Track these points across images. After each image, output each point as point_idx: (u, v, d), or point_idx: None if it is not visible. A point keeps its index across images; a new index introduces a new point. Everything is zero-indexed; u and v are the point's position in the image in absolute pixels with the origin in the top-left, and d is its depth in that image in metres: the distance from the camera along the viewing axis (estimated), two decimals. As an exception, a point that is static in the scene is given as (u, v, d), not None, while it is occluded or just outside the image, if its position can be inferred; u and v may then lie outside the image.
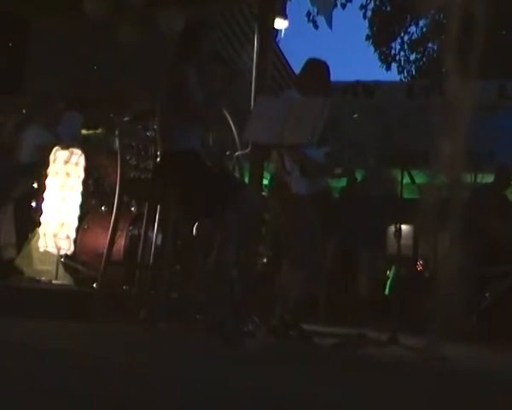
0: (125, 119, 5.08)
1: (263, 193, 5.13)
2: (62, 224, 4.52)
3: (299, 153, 4.23)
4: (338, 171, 4.93)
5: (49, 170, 4.57)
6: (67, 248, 4.53)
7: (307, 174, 4.24)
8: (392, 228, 8.84)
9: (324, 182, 4.56)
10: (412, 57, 17.76)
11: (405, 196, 6.03)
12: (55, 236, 4.48)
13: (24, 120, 5.41)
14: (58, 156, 4.59)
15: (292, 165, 4.21)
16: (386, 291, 8.36)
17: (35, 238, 4.58)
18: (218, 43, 3.95)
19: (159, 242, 4.03)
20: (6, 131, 5.39)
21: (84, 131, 5.50)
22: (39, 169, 4.73)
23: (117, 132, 4.14)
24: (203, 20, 3.98)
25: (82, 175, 4.66)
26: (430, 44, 16.90)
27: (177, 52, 3.79)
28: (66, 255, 4.57)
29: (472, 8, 2.09)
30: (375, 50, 17.52)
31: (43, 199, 4.57)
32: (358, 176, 9.18)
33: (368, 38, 17.32)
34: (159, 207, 3.99)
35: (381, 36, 17.25)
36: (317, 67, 4.46)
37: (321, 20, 12.54)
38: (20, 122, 5.40)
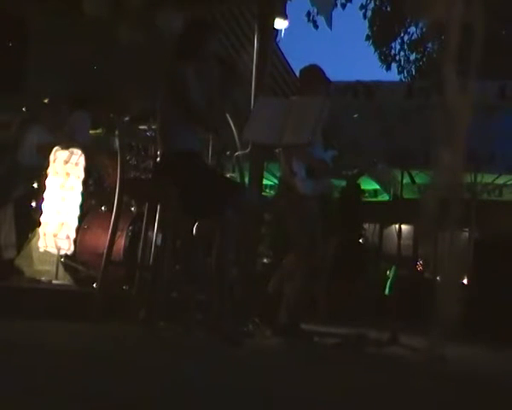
0: (125, 119, 5.08)
1: (263, 193, 5.13)
2: (62, 224, 4.52)
3: (306, 153, 4.23)
4: (353, 171, 4.94)
5: (49, 170, 4.57)
6: (67, 248, 4.53)
7: (313, 175, 4.25)
8: (392, 228, 8.85)
9: (329, 182, 4.57)
10: (412, 57, 17.75)
11: (405, 196, 6.03)
12: (55, 236, 4.48)
13: (25, 121, 5.41)
14: (58, 156, 4.59)
15: (298, 166, 4.22)
16: (386, 291, 8.36)
17: (35, 238, 4.58)
18: (217, 44, 3.92)
19: (159, 242, 4.03)
20: (12, 130, 5.38)
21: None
22: (39, 170, 4.74)
23: (117, 132, 4.14)
24: (204, 21, 3.97)
25: (82, 175, 4.66)
26: (430, 44, 16.89)
27: (176, 53, 3.78)
28: (66, 255, 4.57)
29: (472, 11, 2.09)
30: (375, 50, 17.50)
31: (43, 199, 4.57)
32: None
33: (368, 38, 17.30)
34: (159, 207, 3.99)
35: (381, 36, 17.22)
36: (311, 73, 4.48)
37: (321, 20, 12.54)
38: (21, 122, 5.40)
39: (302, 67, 4.59)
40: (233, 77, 3.71)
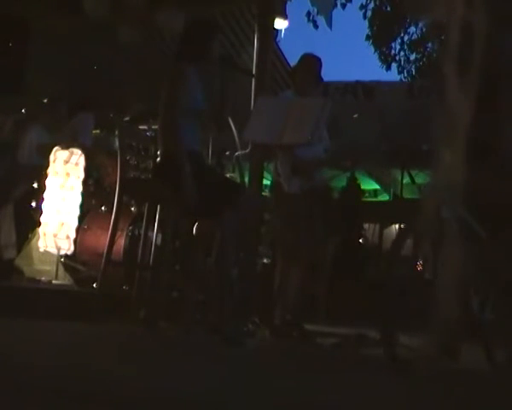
0: (125, 119, 5.08)
1: (263, 193, 5.13)
2: (62, 224, 4.52)
3: (289, 152, 4.22)
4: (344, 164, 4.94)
5: (49, 170, 4.58)
6: (67, 248, 4.54)
7: (298, 173, 4.23)
8: (392, 228, 8.85)
9: (320, 179, 4.55)
10: (412, 57, 17.75)
11: (405, 196, 6.03)
12: (55, 236, 4.49)
13: (25, 120, 5.42)
14: (58, 156, 4.59)
15: (283, 165, 4.21)
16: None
17: (35, 238, 4.58)
18: (218, 44, 3.92)
19: (159, 242, 4.03)
20: (5, 131, 5.38)
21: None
22: (39, 170, 4.74)
23: (117, 132, 4.14)
24: (205, 21, 3.96)
25: (82, 175, 4.66)
26: (430, 44, 16.88)
27: (178, 52, 3.78)
28: (66, 255, 4.57)
29: (472, 13, 2.09)
30: (375, 50, 17.50)
31: (43, 199, 4.57)
32: (358, 175, 9.21)
33: (368, 38, 17.30)
34: (159, 207, 3.99)
35: (381, 36, 17.22)
36: (310, 62, 4.48)
37: (321, 20, 12.53)
38: (20, 122, 5.40)
39: (304, 53, 4.57)
40: (234, 74, 3.71)
